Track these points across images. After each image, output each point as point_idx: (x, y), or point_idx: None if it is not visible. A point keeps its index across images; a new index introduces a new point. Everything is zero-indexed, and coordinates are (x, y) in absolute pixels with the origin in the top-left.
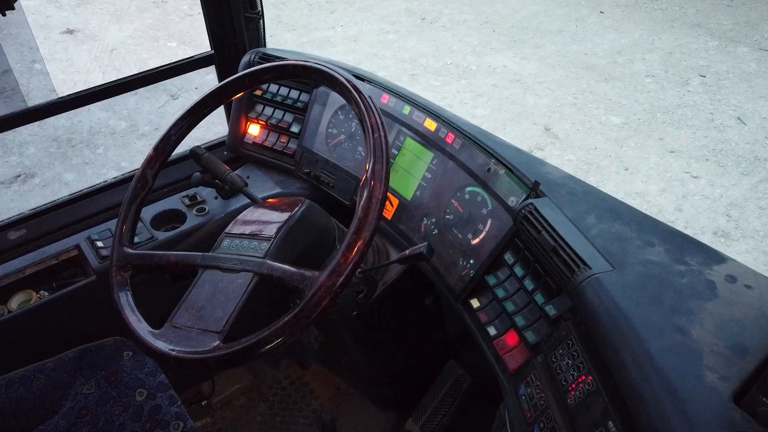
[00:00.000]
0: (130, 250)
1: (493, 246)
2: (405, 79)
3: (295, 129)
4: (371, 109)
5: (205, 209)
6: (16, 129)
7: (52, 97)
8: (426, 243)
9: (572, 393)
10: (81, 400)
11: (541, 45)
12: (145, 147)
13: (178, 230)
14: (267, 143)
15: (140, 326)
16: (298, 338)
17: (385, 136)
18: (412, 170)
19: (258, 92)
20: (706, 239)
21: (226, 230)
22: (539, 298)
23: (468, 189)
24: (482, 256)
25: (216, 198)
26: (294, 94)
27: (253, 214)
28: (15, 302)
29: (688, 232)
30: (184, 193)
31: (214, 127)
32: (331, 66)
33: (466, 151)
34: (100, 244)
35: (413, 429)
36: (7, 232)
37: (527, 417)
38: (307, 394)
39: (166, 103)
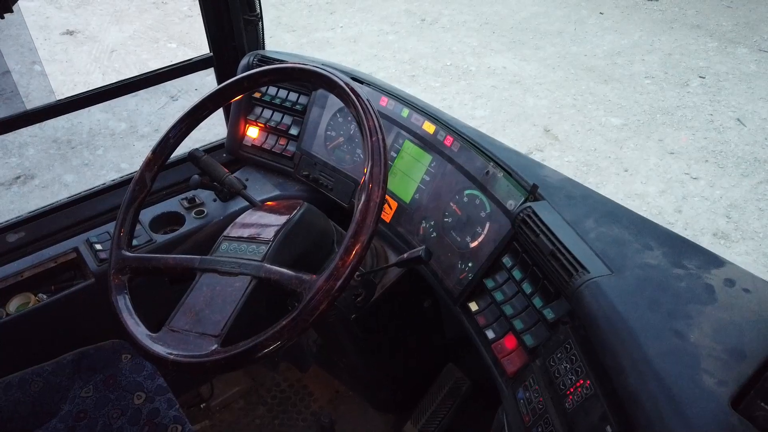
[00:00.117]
0: (128, 254)
1: (491, 249)
2: (404, 80)
3: (293, 131)
4: (369, 112)
5: (203, 212)
6: (16, 131)
7: (52, 98)
8: (424, 246)
9: (570, 397)
10: (79, 404)
11: (540, 46)
12: (145, 148)
13: (176, 233)
14: (266, 146)
15: (138, 330)
16: (297, 341)
17: (383, 139)
18: (411, 173)
19: (257, 94)
20: (705, 240)
21: (225, 233)
22: (537, 301)
23: (466, 192)
24: (480, 260)
25: (215, 200)
26: (293, 96)
27: (252, 217)
28: (13, 305)
29: (688, 233)
30: (182, 196)
31: (214, 128)
32: (329, 69)
33: (465, 154)
34: (98, 246)
35: None
36: (6, 235)
37: (525, 421)
38: (306, 397)
39: (165, 105)
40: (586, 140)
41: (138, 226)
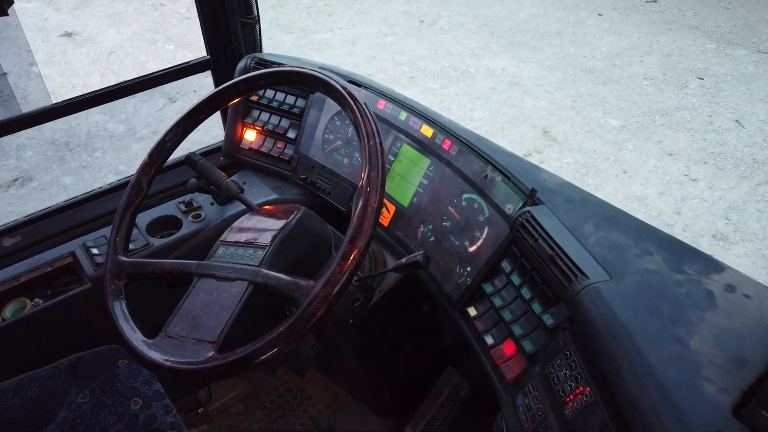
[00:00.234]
0: (124, 258)
1: (490, 254)
2: (403, 81)
3: (291, 135)
4: (367, 116)
5: (200, 215)
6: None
7: (49, 101)
8: (422, 251)
9: (570, 404)
10: (75, 410)
11: (539, 48)
12: (143, 150)
13: (173, 237)
14: (263, 149)
15: (134, 336)
16: (294, 347)
17: (381, 143)
18: (409, 177)
19: (254, 97)
20: (704, 242)
21: (221, 238)
22: (537, 307)
23: (465, 196)
24: (479, 264)
25: (212, 204)
26: (290, 99)
27: (249, 221)
28: (9, 310)
29: (687, 235)
30: (179, 199)
31: (212, 130)
32: (326, 72)
33: (463, 157)
34: (95, 251)
35: None
36: (1, 239)
37: (525, 428)
38: (304, 401)
39: (164, 107)
40: (585, 142)
41: (134, 230)
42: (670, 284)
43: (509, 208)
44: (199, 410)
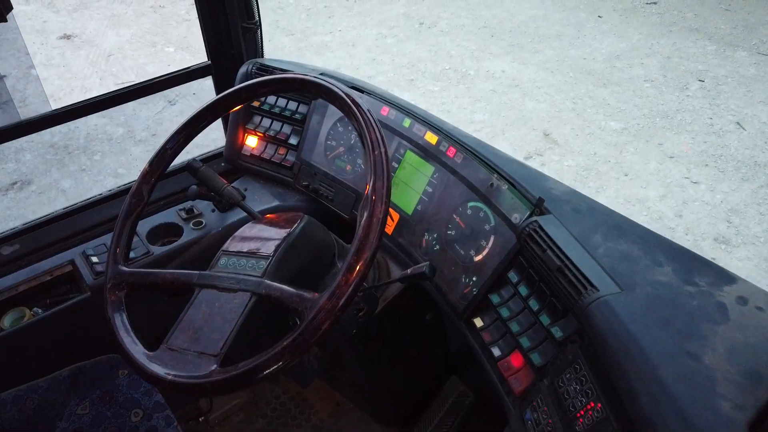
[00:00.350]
0: (125, 269)
1: (496, 263)
2: (403, 84)
3: (293, 141)
4: (371, 124)
5: (201, 222)
6: None
7: (47, 104)
8: (428, 262)
9: (581, 420)
10: (75, 421)
11: (539, 50)
12: (143, 153)
13: (174, 244)
14: (265, 155)
15: (135, 349)
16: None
17: (386, 152)
18: (413, 184)
19: (256, 103)
20: (706, 246)
21: (224, 247)
22: (545, 318)
23: (470, 204)
24: (485, 274)
25: (213, 211)
26: (292, 105)
27: (251, 230)
28: (7, 320)
29: (689, 238)
30: (180, 206)
31: (212, 132)
32: (329, 80)
33: (468, 165)
34: (95, 259)
35: None
36: (0, 247)
37: None
38: (306, 410)
39: (163, 109)
40: (585, 144)
41: (135, 238)
42: (682, 296)
43: (516, 218)
44: (200, 419)
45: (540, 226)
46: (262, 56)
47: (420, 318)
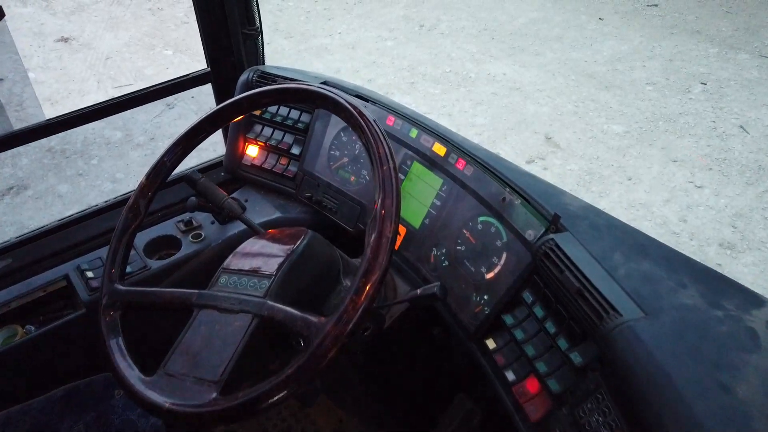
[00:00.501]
0: (120, 287)
1: (510, 282)
2: (403, 86)
3: (295, 151)
4: (379, 138)
5: (201, 235)
6: None
7: (45, 104)
8: (439, 283)
9: None
10: None
11: (540, 52)
12: (141, 158)
13: (172, 258)
14: (266, 165)
15: (131, 374)
16: None
17: (395, 168)
18: (421, 197)
19: (257, 112)
20: (712, 251)
21: (224, 265)
22: (562, 343)
23: (480, 219)
24: (498, 293)
25: (212, 223)
26: (294, 114)
27: (253, 246)
28: None
29: (694, 243)
30: (179, 218)
31: (212, 136)
32: (334, 91)
33: (479, 178)
34: (90, 274)
35: None
36: None
37: None
38: (309, 427)
39: (161, 113)
40: (588, 148)
41: (132, 251)
42: (710, 321)
43: (530, 234)
44: None
45: (557, 245)
46: (263, 63)
47: (427, 334)
